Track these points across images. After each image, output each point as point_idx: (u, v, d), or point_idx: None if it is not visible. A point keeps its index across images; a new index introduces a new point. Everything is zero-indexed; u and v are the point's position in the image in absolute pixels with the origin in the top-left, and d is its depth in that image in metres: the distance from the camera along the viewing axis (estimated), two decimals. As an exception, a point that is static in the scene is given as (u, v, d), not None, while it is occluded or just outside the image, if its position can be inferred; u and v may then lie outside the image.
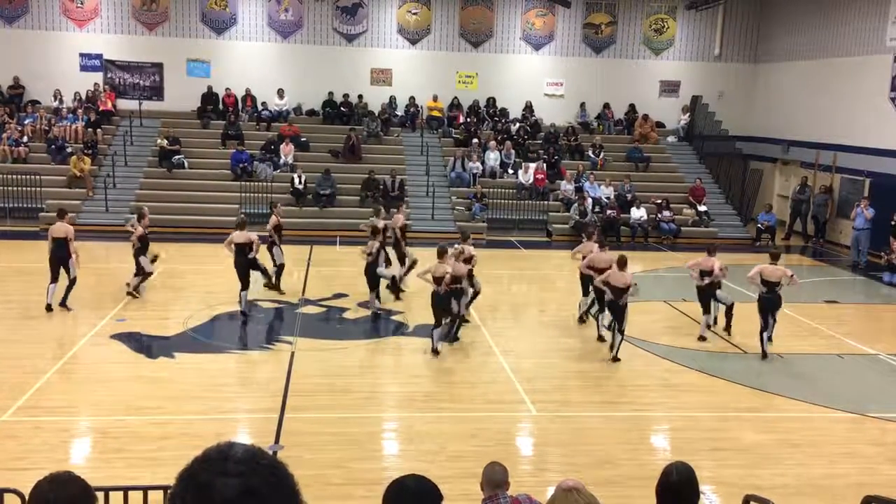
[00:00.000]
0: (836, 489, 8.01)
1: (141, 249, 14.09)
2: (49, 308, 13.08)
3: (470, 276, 12.83)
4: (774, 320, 12.15)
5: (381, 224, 14.38)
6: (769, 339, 12.19)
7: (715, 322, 13.55)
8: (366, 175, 22.50)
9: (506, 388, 10.61)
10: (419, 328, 13.12)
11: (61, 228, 13.09)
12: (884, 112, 20.99)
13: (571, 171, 23.76)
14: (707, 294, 12.93)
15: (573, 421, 9.54)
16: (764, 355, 12.09)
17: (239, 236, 13.42)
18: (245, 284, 13.33)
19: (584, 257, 13.41)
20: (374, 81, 26.17)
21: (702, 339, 12.89)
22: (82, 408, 9.47)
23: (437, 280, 11.85)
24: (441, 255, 12.17)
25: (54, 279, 13.12)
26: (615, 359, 11.70)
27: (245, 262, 13.38)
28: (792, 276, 12.14)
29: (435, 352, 11.76)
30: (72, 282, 13.21)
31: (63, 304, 13.16)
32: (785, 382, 11.19)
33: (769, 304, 12.04)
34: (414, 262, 14.98)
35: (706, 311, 12.96)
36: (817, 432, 9.52)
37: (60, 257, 12.99)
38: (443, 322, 11.94)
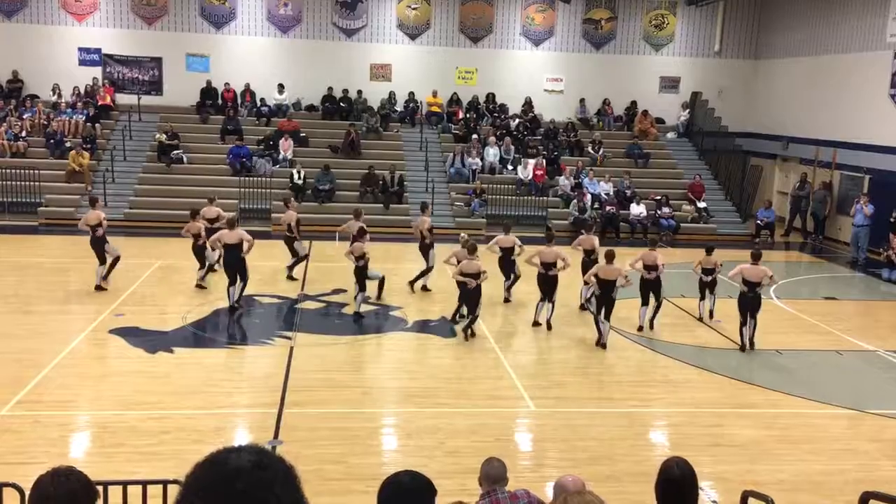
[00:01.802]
0: (834, 485, 8.03)
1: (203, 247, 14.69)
2: (98, 288, 14.07)
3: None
4: (755, 322, 12.34)
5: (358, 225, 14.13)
6: (751, 341, 12.34)
7: (711, 316, 13.88)
8: (365, 170, 22.50)
9: (504, 384, 10.62)
10: (418, 324, 13.14)
11: (94, 215, 14.18)
12: (883, 109, 20.98)
13: (571, 168, 23.74)
14: (648, 288, 13.16)
15: (571, 417, 9.55)
16: (742, 348, 12.32)
17: (230, 236, 13.27)
18: (232, 280, 13.25)
19: (585, 250, 14.26)
20: (373, 77, 26.14)
21: (640, 329, 13.14)
22: (81, 402, 9.47)
23: (470, 276, 12.16)
24: (472, 251, 12.52)
25: (102, 262, 14.17)
26: (603, 345, 12.12)
27: (235, 262, 13.26)
28: (771, 276, 12.33)
29: (471, 334, 12.27)
30: (115, 260, 14.24)
31: (104, 278, 14.13)
32: (783, 379, 11.21)
33: (749, 303, 12.26)
34: (429, 269, 15.00)
35: (644, 302, 13.24)
36: (816, 429, 9.54)
37: (98, 241, 14.07)
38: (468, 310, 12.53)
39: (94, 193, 18.99)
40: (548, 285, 13.06)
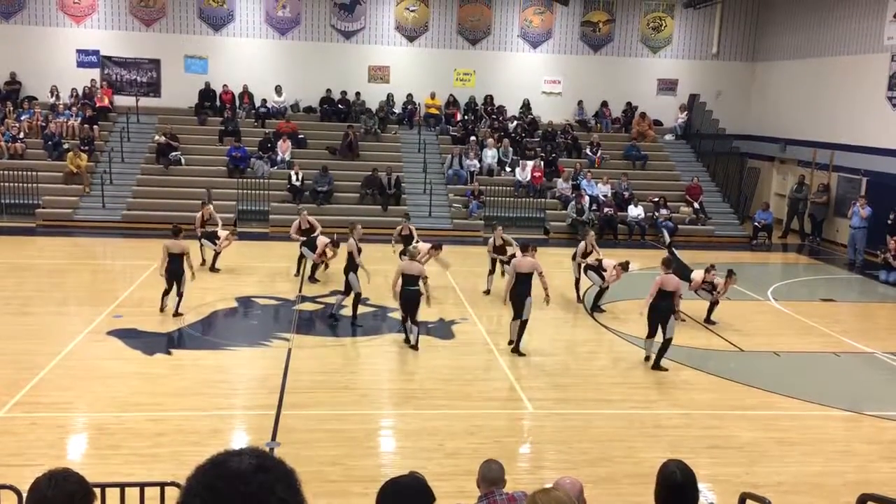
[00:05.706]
0: (832, 487, 8.03)
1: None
2: (162, 310, 13.13)
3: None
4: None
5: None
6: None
7: (709, 320, 13.86)
8: (364, 172, 22.48)
9: (502, 386, 10.63)
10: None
11: (178, 245, 13.20)
12: (881, 111, 21.01)
13: (568, 170, 23.74)
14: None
15: (569, 418, 9.55)
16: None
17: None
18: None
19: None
20: (371, 78, 26.15)
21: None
22: (79, 404, 9.45)
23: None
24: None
25: (168, 290, 13.10)
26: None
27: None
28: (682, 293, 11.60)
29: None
30: (180, 294, 13.08)
31: (176, 313, 13.00)
32: (781, 380, 11.21)
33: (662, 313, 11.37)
34: (358, 296, 13.41)
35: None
36: (813, 430, 9.54)
37: (175, 271, 13.04)
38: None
39: (85, 199, 18.92)
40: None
